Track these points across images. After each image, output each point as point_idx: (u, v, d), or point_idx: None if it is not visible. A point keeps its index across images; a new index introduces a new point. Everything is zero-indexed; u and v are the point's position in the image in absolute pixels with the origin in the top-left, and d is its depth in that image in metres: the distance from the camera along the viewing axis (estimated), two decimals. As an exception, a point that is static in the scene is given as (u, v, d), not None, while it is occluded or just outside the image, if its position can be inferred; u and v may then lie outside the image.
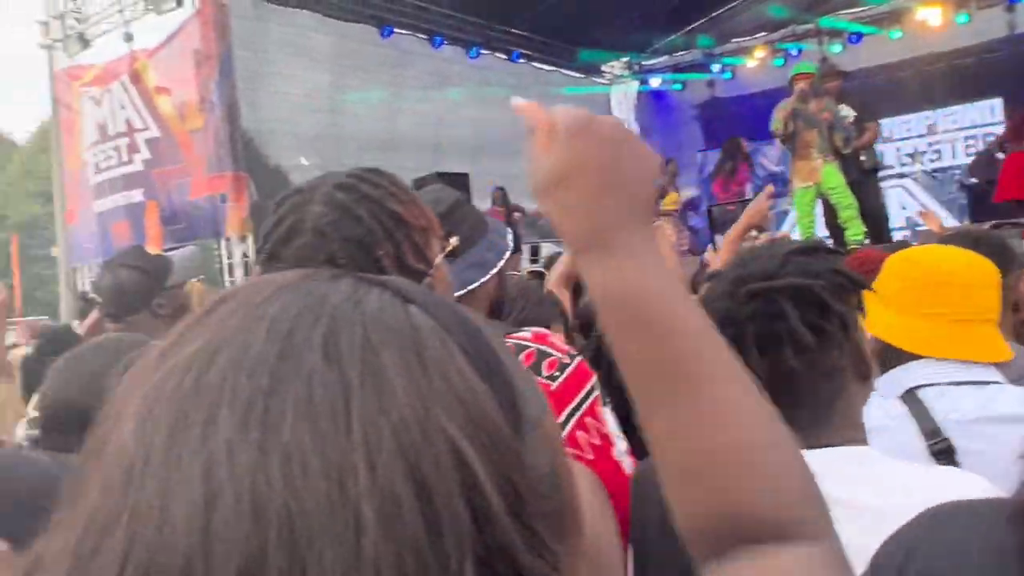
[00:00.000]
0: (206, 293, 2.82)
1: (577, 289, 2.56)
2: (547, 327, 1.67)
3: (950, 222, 8.50)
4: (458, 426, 0.35)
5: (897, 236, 8.32)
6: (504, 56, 12.47)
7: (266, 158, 9.78)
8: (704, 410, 0.63)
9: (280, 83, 9.78)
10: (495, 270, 1.56)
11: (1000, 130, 9.98)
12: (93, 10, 10.14)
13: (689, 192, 12.49)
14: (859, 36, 12.25)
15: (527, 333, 1.44)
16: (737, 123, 12.73)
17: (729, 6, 12.70)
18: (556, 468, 0.41)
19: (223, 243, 9.23)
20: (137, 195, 9.65)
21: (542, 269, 4.85)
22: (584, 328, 2.48)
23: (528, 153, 0.73)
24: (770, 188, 3.25)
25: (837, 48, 12.12)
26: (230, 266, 9.07)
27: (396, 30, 10.85)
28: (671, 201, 11.09)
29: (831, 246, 1.44)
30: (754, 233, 4.73)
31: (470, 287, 1.51)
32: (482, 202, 9.09)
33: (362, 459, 0.33)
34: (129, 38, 9.69)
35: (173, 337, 0.39)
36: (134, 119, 9.62)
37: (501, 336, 0.46)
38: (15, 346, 4.22)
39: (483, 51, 11.96)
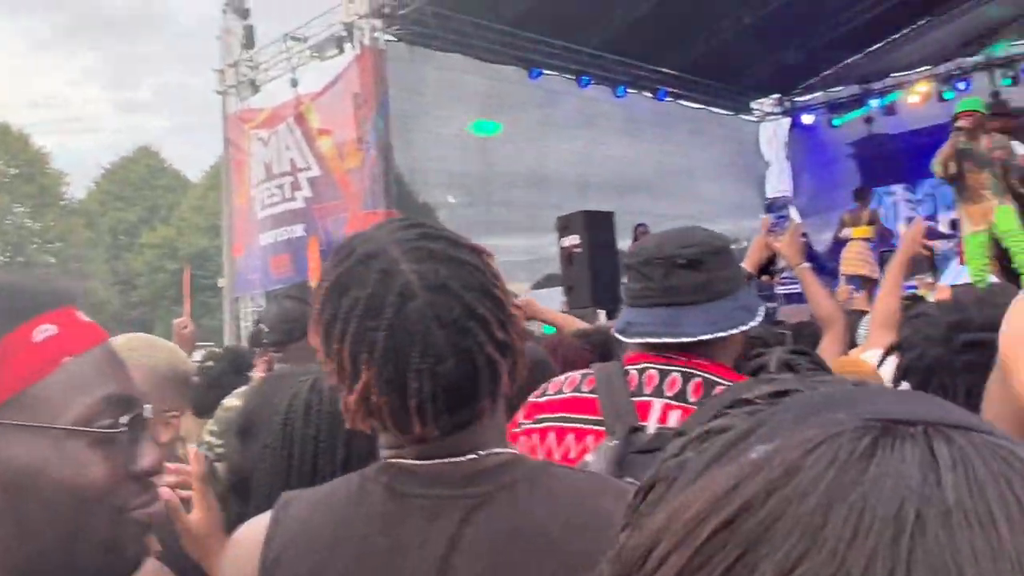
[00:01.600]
0: None
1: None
2: None
3: None
4: None
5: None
6: (650, 95, 12.45)
7: (416, 195, 10.12)
8: None
9: (432, 123, 10.13)
10: (760, 317, 1.51)
11: None
12: (263, 58, 10.90)
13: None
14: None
15: None
16: (896, 160, 12.14)
17: (888, 39, 12.22)
18: None
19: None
20: (299, 230, 10.21)
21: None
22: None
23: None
24: (919, 218, 3.01)
25: (1008, 82, 11.41)
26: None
27: (544, 71, 11.05)
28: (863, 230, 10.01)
29: None
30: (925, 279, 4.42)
31: (742, 327, 1.48)
32: (625, 240, 9.03)
33: None
34: (295, 83, 10.36)
35: (700, 501, 0.29)
36: (297, 159, 10.22)
37: None
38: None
39: (630, 90, 11.98)
